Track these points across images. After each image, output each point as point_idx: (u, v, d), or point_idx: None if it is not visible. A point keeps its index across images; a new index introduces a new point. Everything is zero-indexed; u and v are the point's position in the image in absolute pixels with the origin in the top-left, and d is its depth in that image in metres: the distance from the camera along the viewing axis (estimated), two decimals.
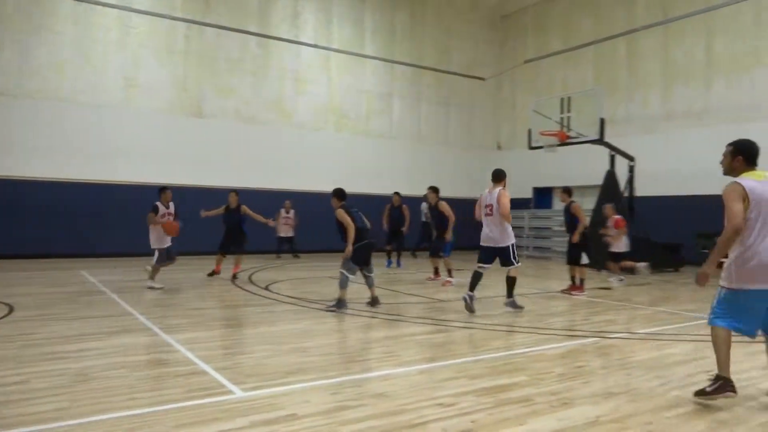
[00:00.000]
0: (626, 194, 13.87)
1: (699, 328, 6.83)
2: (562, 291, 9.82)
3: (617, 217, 11.26)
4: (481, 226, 7.83)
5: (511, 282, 7.89)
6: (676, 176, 15.94)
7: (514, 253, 7.77)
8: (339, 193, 7.79)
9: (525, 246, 19.19)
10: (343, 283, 7.58)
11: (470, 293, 7.60)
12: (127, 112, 15.38)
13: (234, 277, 11.01)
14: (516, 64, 20.53)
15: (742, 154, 4.04)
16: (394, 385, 4.32)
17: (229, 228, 11.24)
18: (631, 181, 14.02)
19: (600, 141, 13.38)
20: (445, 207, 10.63)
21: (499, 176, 7.90)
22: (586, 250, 9.66)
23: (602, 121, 13.27)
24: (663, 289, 10.67)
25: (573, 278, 9.85)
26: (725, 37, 15.31)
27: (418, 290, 9.83)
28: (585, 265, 9.69)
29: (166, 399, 3.88)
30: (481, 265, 7.76)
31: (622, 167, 13.91)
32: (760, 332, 4.06)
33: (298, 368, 4.75)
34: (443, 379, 4.50)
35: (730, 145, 4.12)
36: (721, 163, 4.18)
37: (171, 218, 9.76)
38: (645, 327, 6.87)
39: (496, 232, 7.69)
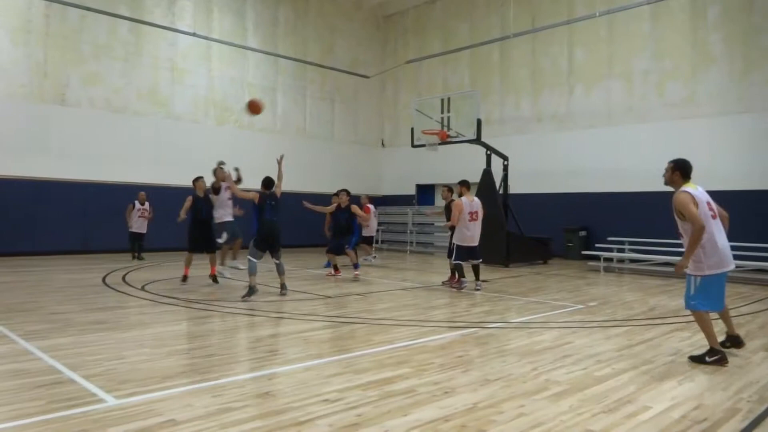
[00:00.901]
0: (501, 191, 14.70)
1: (563, 315, 7.43)
2: (443, 282, 10.24)
3: (367, 206, 13.96)
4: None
5: (478, 269, 9.73)
6: (544, 175, 17.18)
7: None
8: (263, 182, 8.75)
9: (408, 241, 19.72)
10: (251, 269, 8.26)
11: (464, 279, 9.62)
12: None
13: (214, 279, 9.75)
14: (398, 63, 21.02)
15: (680, 170, 5.12)
16: (280, 383, 4.26)
17: (201, 223, 9.69)
18: (505, 179, 14.88)
19: (477, 141, 14.07)
20: (357, 210, 11.48)
21: (469, 185, 9.89)
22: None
23: (479, 122, 13.95)
24: (534, 280, 11.46)
25: (453, 271, 10.32)
26: (584, 48, 16.73)
27: (306, 287, 9.76)
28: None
29: (24, 413, 3.52)
30: (465, 261, 9.61)
31: (497, 166, 14.73)
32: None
33: (177, 371, 4.53)
34: (329, 375, 4.51)
35: (670, 162, 5.21)
36: (664, 176, 5.25)
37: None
38: (518, 316, 7.34)
39: (478, 234, 9.57)
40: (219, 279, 9.88)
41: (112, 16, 15.37)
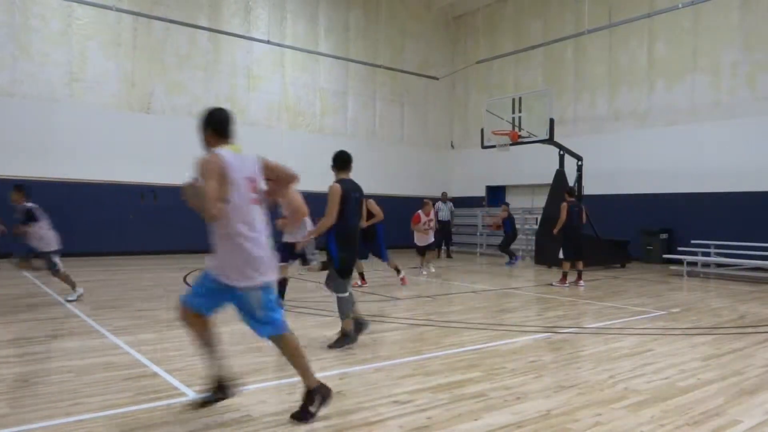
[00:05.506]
0: (575, 192, 14.25)
1: (644, 321, 7.10)
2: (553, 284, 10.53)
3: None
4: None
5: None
6: (621, 175, 16.50)
7: None
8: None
9: (479, 243, 19.47)
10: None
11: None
12: (72, 107, 14.77)
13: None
14: (468, 64, 20.81)
15: None
16: (351, 383, 4.31)
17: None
18: (579, 180, 14.41)
19: (550, 141, 13.71)
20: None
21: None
22: (563, 246, 10.74)
23: (552, 122, 13.59)
24: (611, 284, 11.03)
25: (565, 272, 10.65)
26: (666, 41, 15.93)
27: (374, 289, 9.84)
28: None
29: (113, 404, 3.75)
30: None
31: (571, 167, 14.29)
32: None
33: (253, 368, 4.68)
34: (399, 376, 4.52)
35: None
36: None
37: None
38: (594, 322, 7.08)
39: None
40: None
41: (193, 27, 16.13)
